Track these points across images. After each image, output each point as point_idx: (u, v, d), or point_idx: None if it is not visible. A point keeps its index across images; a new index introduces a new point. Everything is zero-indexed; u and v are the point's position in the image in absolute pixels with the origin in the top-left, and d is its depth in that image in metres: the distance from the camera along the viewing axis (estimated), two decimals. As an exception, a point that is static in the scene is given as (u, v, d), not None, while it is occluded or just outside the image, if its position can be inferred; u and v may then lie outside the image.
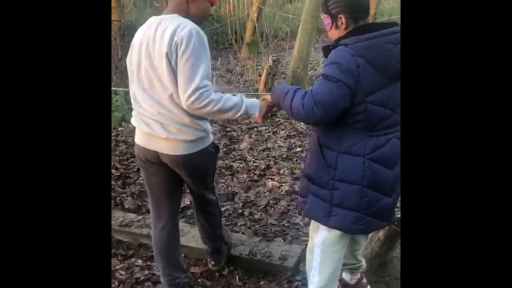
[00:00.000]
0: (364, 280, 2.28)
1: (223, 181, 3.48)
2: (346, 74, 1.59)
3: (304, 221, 2.89)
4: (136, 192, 3.30)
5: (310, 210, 1.85)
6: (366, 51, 1.61)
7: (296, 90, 1.74)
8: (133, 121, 1.95)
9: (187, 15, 1.80)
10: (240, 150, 4.08)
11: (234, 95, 1.88)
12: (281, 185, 3.38)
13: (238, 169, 3.69)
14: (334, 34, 1.76)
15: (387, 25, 1.69)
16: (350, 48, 1.62)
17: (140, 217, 2.86)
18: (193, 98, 1.68)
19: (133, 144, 2.13)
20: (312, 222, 1.94)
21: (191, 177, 2.03)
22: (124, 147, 3.99)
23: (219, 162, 3.80)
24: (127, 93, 2.45)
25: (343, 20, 1.70)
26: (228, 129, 4.62)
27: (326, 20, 1.76)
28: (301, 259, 2.50)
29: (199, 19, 1.85)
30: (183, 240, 2.61)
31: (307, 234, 2.75)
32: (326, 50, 1.76)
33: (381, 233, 2.36)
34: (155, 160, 1.94)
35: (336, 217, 1.77)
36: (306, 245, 2.59)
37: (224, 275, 2.44)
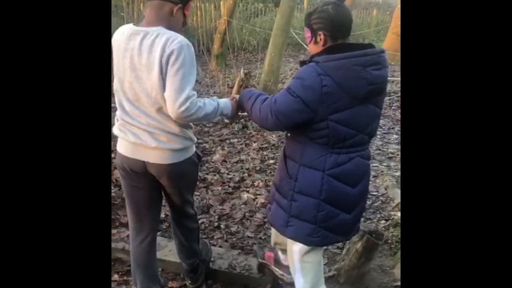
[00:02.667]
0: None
1: (198, 193, 3.45)
2: (307, 91, 1.63)
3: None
4: (108, 205, 3.22)
5: (272, 217, 1.93)
6: (334, 71, 1.62)
7: (259, 95, 1.84)
8: (116, 130, 1.93)
9: (168, 27, 1.80)
10: (213, 162, 4.06)
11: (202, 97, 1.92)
12: (256, 198, 3.39)
13: (213, 181, 3.67)
14: (312, 48, 1.81)
15: (363, 46, 1.71)
16: (319, 66, 1.64)
17: (115, 231, 2.79)
18: (184, 107, 1.71)
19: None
20: None
21: (175, 188, 2.03)
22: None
23: (193, 175, 3.77)
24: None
25: (322, 37, 1.73)
26: (200, 141, 4.59)
27: (307, 33, 1.80)
28: (280, 271, 2.51)
29: (176, 31, 1.85)
30: (160, 254, 2.57)
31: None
32: (303, 65, 1.78)
33: (359, 245, 2.40)
34: (140, 171, 1.93)
35: (293, 228, 1.82)
36: (284, 257, 2.64)
37: (203, 289, 2.42)
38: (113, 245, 2.63)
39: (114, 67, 1.84)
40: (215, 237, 2.89)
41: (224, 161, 4.09)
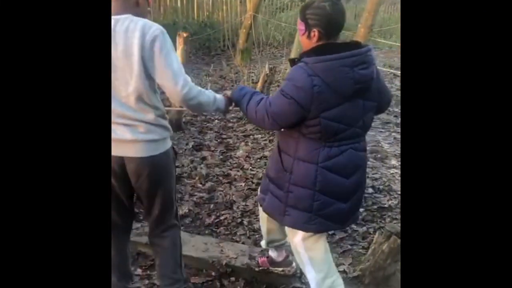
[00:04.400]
0: (290, 258, 2.40)
1: (221, 189, 3.45)
2: (299, 92, 1.69)
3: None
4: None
5: (268, 207, 2.00)
6: (323, 72, 1.69)
7: (253, 94, 1.90)
8: None
9: (136, 15, 1.80)
10: (237, 158, 4.05)
11: None
12: (280, 195, 3.36)
13: (236, 177, 3.66)
14: (304, 42, 1.84)
15: (350, 46, 1.76)
16: (308, 67, 1.70)
17: (139, 224, 2.80)
18: (187, 88, 1.73)
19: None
20: None
21: (153, 186, 1.92)
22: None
23: (217, 170, 3.77)
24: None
25: (316, 33, 1.76)
26: (224, 136, 4.59)
27: (300, 25, 1.82)
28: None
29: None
30: (183, 250, 2.57)
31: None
32: (292, 63, 1.84)
33: (385, 246, 2.35)
34: (118, 169, 1.85)
35: (290, 217, 1.91)
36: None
37: (225, 286, 2.41)
38: (136, 239, 2.64)
39: None
40: (238, 233, 2.88)
41: (248, 157, 4.07)
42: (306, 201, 1.85)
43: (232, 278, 2.45)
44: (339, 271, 2.46)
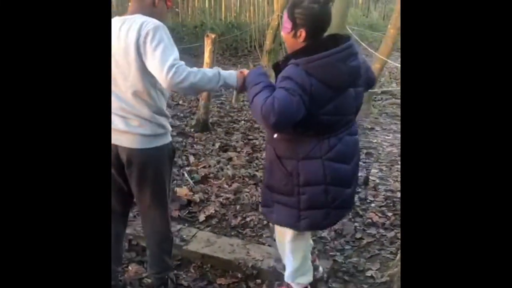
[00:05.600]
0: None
1: (247, 190, 3.44)
2: (302, 90, 1.70)
3: (331, 235, 2.84)
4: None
5: (279, 218, 2.01)
6: (317, 70, 1.71)
7: (265, 88, 1.79)
8: None
9: (151, 16, 1.86)
10: (263, 159, 4.04)
11: None
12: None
13: (262, 179, 3.64)
14: (289, 40, 1.84)
15: (336, 40, 1.79)
16: (301, 68, 1.72)
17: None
18: (171, 72, 1.70)
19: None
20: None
21: (144, 179, 1.97)
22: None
23: (243, 171, 3.77)
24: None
25: (303, 34, 1.78)
26: (250, 137, 4.59)
27: (286, 23, 1.81)
28: (330, 274, 2.45)
29: (160, 20, 1.88)
30: (209, 251, 2.59)
31: (334, 249, 2.71)
32: (276, 67, 1.87)
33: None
34: (114, 157, 1.93)
35: (306, 220, 1.93)
36: (334, 260, 2.58)
37: (251, 288, 2.41)
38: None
39: None
40: (264, 235, 2.87)
41: (274, 158, 4.05)
42: (320, 197, 1.89)
43: (258, 281, 2.44)
44: (366, 276, 2.44)
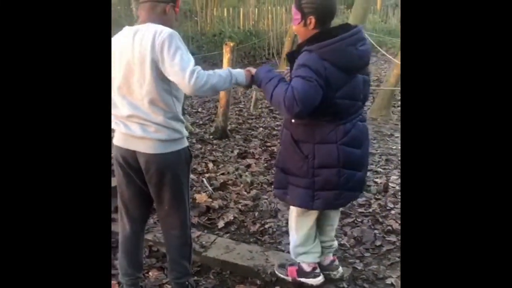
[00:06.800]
0: (337, 262, 2.45)
1: (266, 197, 3.45)
2: (317, 75, 1.82)
3: (351, 243, 2.82)
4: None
5: (293, 199, 2.13)
6: (330, 55, 1.84)
7: (280, 80, 1.93)
8: (113, 124, 2.01)
9: (163, 24, 1.91)
10: (281, 166, 4.04)
11: None
12: (325, 204, 3.32)
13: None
14: (300, 30, 1.97)
15: (346, 27, 1.93)
16: (315, 53, 1.84)
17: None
18: (193, 79, 1.77)
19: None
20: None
21: (162, 183, 2.01)
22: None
23: (261, 178, 3.78)
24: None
25: (313, 20, 1.89)
26: (268, 143, 4.60)
27: (295, 15, 1.93)
28: (349, 282, 2.44)
29: (170, 27, 1.94)
30: (228, 257, 2.60)
31: (353, 256, 2.69)
32: (290, 57, 1.99)
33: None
34: (132, 161, 1.99)
35: (320, 200, 2.05)
36: (354, 268, 2.56)
37: (271, 295, 2.40)
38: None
39: (114, 65, 1.94)
40: (283, 242, 2.87)
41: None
42: (334, 179, 2.01)
43: (277, 287, 2.43)
44: (386, 284, 2.41)
